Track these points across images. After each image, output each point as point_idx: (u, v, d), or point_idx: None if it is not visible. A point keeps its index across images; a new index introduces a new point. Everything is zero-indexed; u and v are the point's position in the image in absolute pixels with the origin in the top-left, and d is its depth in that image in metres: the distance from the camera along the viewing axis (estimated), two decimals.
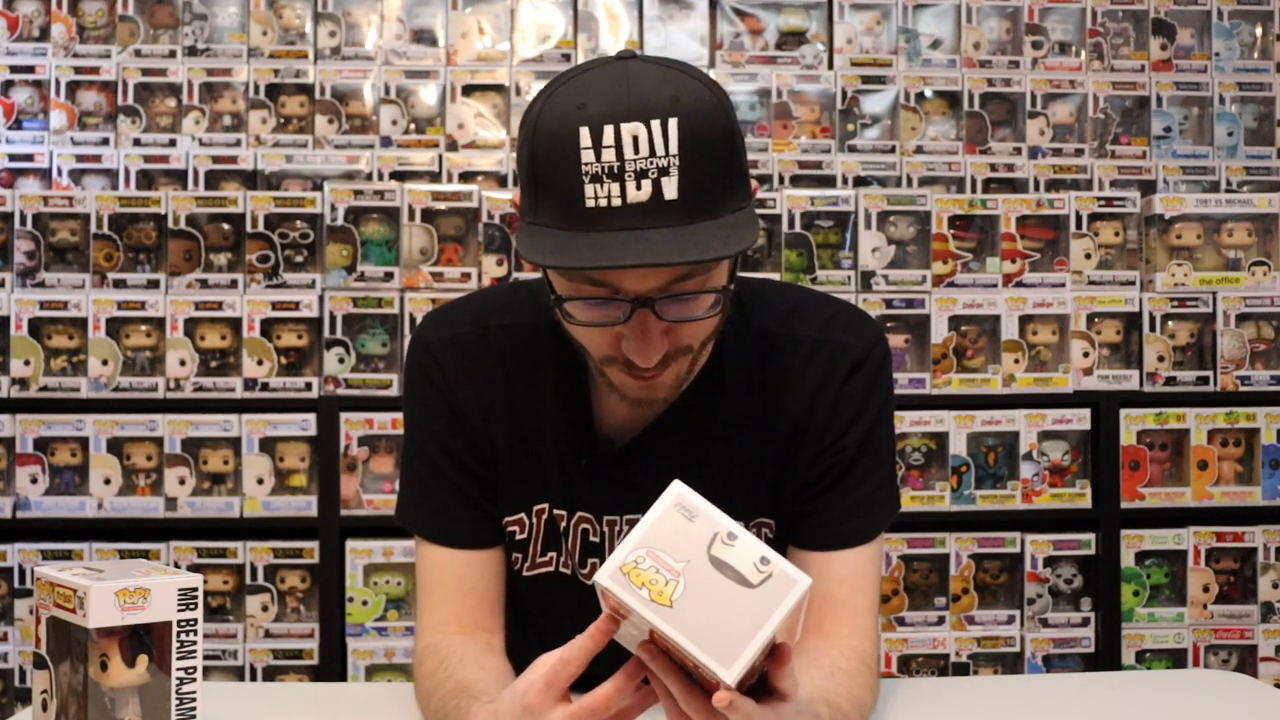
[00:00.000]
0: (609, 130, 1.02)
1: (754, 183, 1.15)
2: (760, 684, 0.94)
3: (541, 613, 1.33)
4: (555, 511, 1.29)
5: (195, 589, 1.07)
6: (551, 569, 1.31)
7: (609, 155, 1.02)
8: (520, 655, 1.26)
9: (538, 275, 1.21)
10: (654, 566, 0.89)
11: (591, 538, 1.28)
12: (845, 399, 1.26)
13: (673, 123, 1.03)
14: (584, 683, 1.26)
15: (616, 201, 1.02)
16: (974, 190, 2.87)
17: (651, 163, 1.02)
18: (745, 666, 0.87)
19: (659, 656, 0.92)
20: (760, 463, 1.27)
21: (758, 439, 1.26)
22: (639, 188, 1.02)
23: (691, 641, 0.87)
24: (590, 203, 1.03)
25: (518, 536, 1.30)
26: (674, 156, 1.02)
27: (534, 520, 1.29)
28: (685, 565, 0.89)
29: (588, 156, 1.03)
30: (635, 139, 1.02)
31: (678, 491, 0.92)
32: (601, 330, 1.11)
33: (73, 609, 1.04)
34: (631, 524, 1.25)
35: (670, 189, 1.03)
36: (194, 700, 1.07)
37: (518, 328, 1.28)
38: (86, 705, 1.04)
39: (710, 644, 0.87)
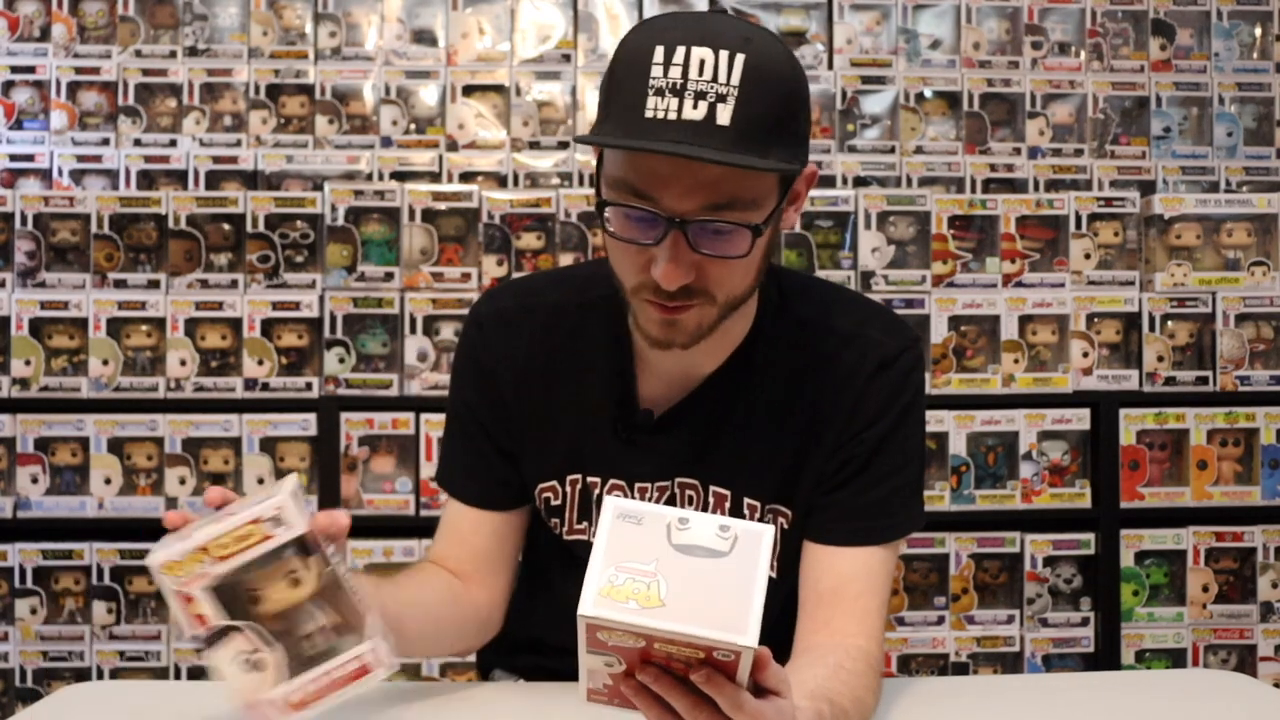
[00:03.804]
0: (680, 50, 1.08)
1: (813, 166, 1.20)
2: (752, 688, 0.95)
3: (561, 575, 1.35)
4: (589, 479, 1.33)
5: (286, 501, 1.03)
6: (585, 538, 1.34)
7: (675, 73, 1.07)
8: (534, 610, 1.38)
9: (601, 259, 1.26)
10: (629, 578, 0.89)
11: None
12: (869, 394, 1.28)
13: (740, 57, 1.08)
14: (569, 674, 1.28)
15: (672, 115, 1.07)
16: (974, 190, 2.87)
17: (712, 87, 1.07)
18: (758, 626, 0.87)
19: (661, 676, 0.92)
20: (778, 446, 1.29)
21: (778, 422, 1.29)
22: (695, 107, 1.07)
23: (698, 627, 0.87)
24: (649, 113, 1.08)
25: (553, 503, 1.35)
26: (734, 87, 1.07)
27: (568, 489, 1.34)
28: (656, 563, 0.90)
29: (656, 71, 1.08)
30: (702, 61, 1.07)
31: (614, 504, 0.93)
32: (637, 253, 1.14)
33: (257, 540, 0.98)
34: (662, 491, 1.29)
35: (724, 115, 1.07)
36: (355, 583, 1.04)
37: (564, 305, 1.33)
38: (298, 628, 1.00)
39: (717, 622, 0.87)
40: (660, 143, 1.07)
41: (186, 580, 0.99)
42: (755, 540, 0.91)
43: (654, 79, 1.08)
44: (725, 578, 0.89)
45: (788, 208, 1.20)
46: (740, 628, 0.87)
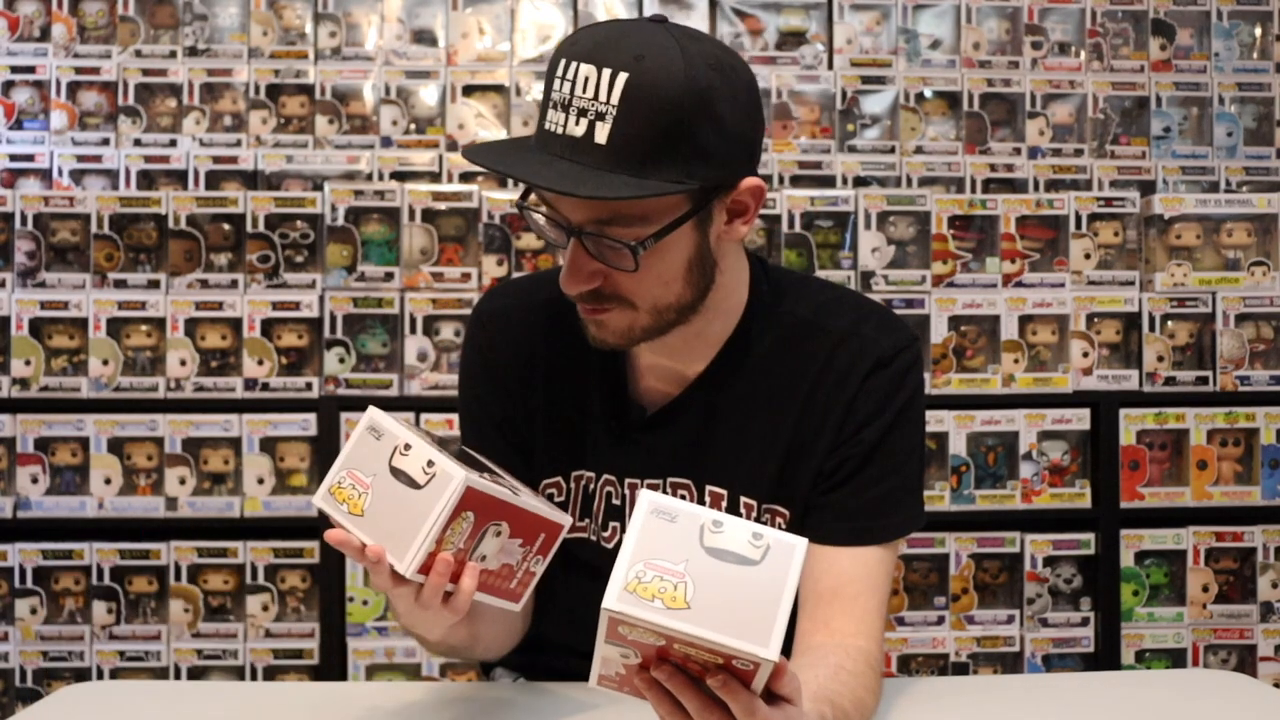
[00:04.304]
0: (572, 66, 1.11)
1: (755, 180, 1.18)
2: (766, 695, 0.95)
3: (562, 573, 1.35)
4: (587, 475, 1.34)
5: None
6: (586, 536, 1.35)
7: (566, 88, 1.12)
8: (535, 609, 1.38)
9: None
10: (657, 576, 0.89)
11: (614, 500, 1.32)
12: (865, 394, 1.28)
13: (623, 76, 1.09)
14: (569, 673, 1.28)
15: (559, 130, 1.12)
16: (974, 190, 2.87)
17: (593, 105, 1.10)
18: (781, 639, 0.87)
19: (675, 675, 0.92)
20: (774, 446, 1.29)
21: (774, 422, 1.29)
22: (577, 123, 1.11)
23: (722, 634, 0.87)
24: (548, 125, 1.14)
25: (556, 499, 1.35)
26: (613, 106, 1.10)
27: (572, 485, 1.35)
28: (685, 564, 0.89)
29: (556, 85, 1.13)
30: (586, 79, 1.10)
31: (650, 499, 0.92)
32: (562, 255, 1.19)
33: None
34: (653, 488, 1.29)
35: (601, 134, 1.10)
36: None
37: (562, 303, 1.33)
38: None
39: (741, 631, 0.87)
40: (545, 156, 1.11)
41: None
42: (788, 552, 0.90)
43: (553, 91, 1.13)
44: (754, 587, 0.88)
45: (733, 220, 1.20)
46: (764, 640, 0.87)
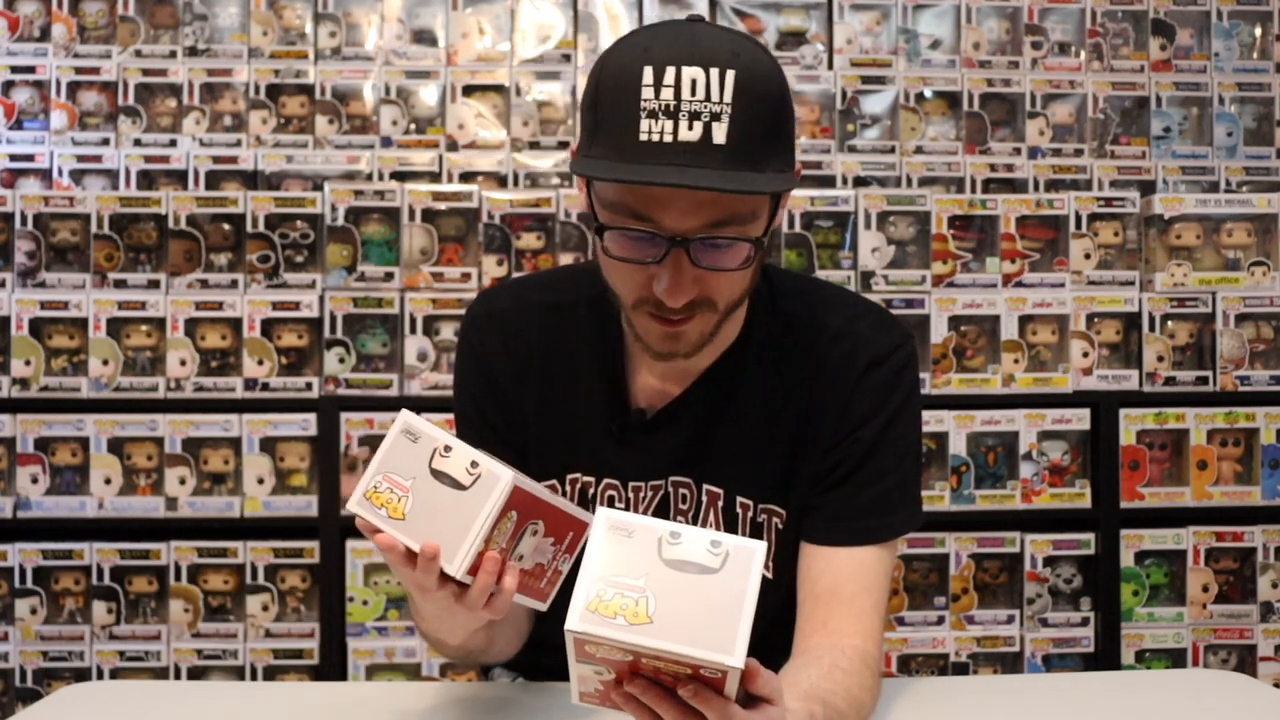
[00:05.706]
0: (670, 71, 1.07)
1: (798, 164, 1.20)
2: (744, 697, 0.95)
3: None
4: (585, 479, 1.33)
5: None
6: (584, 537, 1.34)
7: (667, 94, 1.07)
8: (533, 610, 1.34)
9: (593, 259, 1.26)
10: (618, 592, 0.89)
11: (617, 504, 1.32)
12: (861, 393, 1.28)
13: (730, 73, 1.08)
14: (568, 674, 1.28)
15: (668, 138, 1.07)
16: (974, 190, 2.87)
17: (705, 106, 1.07)
18: (746, 645, 0.87)
19: (649, 688, 0.92)
20: (771, 445, 1.29)
21: (771, 421, 1.29)
22: (690, 128, 1.07)
23: (686, 645, 0.87)
24: (644, 136, 1.07)
25: None
26: (727, 104, 1.07)
27: (566, 488, 1.34)
28: (645, 578, 0.89)
29: (647, 94, 1.08)
30: (694, 81, 1.07)
31: (605, 516, 0.92)
32: (636, 270, 1.15)
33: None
34: (656, 490, 1.30)
35: (719, 134, 1.07)
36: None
37: (558, 304, 1.33)
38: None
39: (704, 640, 0.87)
40: (659, 166, 1.07)
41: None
42: (747, 557, 0.90)
43: (645, 101, 1.08)
44: (715, 595, 0.88)
45: (779, 210, 1.22)
46: (727, 647, 0.87)
